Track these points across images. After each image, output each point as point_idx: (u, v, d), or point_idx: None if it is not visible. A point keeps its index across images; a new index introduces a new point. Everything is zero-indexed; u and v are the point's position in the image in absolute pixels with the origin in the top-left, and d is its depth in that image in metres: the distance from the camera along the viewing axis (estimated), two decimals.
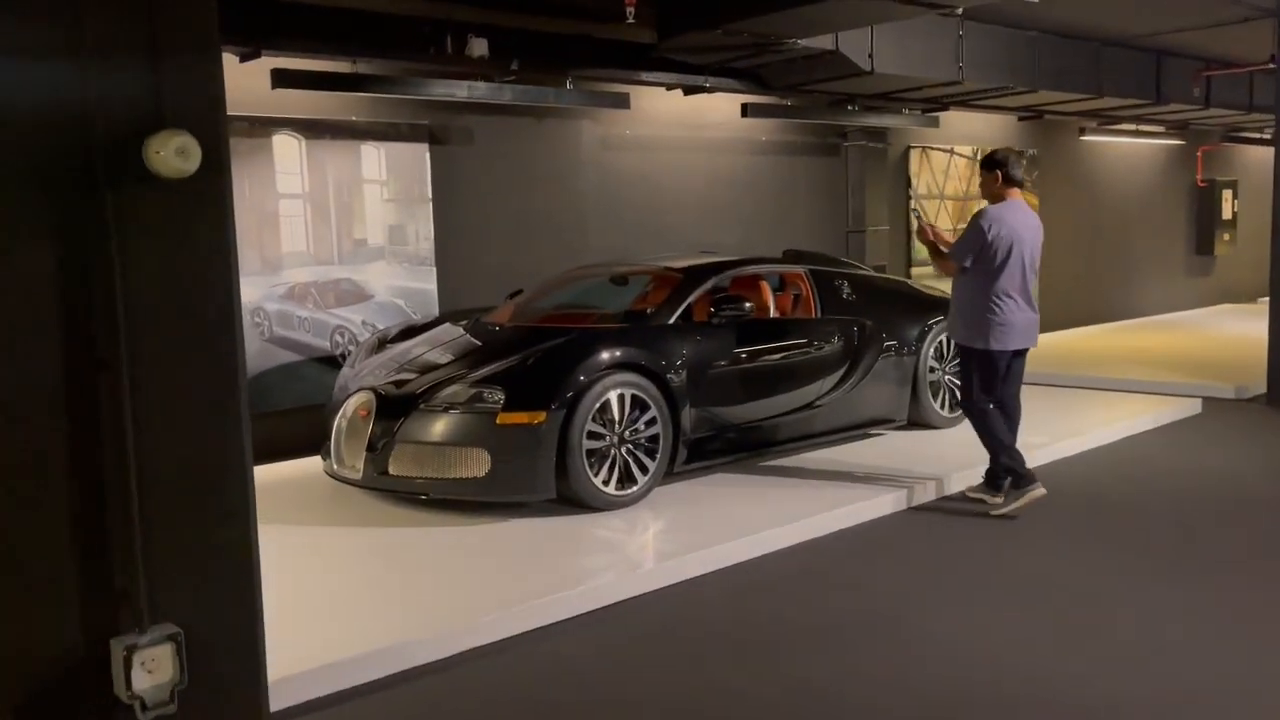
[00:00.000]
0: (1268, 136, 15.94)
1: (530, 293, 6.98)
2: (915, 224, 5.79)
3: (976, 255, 5.47)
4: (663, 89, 8.52)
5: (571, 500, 5.33)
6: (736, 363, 6.03)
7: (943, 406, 7.14)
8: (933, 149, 11.51)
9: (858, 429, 6.76)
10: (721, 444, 6.01)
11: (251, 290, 6.88)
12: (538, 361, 5.37)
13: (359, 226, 7.39)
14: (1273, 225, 8.06)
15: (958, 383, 7.20)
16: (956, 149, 11.80)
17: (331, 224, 7.26)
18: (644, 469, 5.51)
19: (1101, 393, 8.56)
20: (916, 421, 7.06)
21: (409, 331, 6.66)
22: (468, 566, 4.65)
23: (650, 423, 5.53)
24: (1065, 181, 13.29)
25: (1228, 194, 15.90)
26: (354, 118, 7.25)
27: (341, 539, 5.11)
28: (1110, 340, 12.02)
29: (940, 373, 7.13)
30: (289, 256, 7.06)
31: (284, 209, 7.01)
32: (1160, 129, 13.15)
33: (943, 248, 5.76)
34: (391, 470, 5.34)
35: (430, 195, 7.68)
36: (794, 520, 5.15)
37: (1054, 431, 7.04)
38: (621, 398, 5.41)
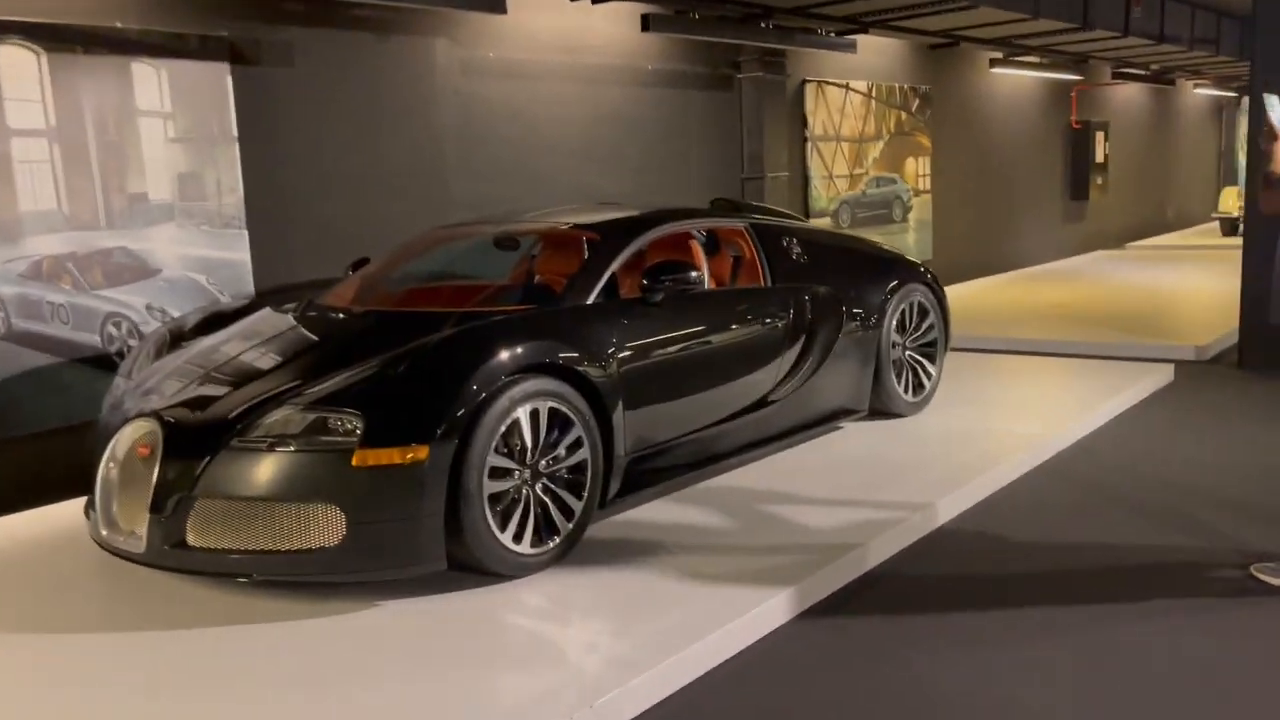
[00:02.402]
0: (1145, 73, 15.48)
1: (381, 262, 5.18)
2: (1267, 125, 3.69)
3: None
4: None
5: (469, 566, 3.66)
6: (677, 353, 4.46)
7: (906, 390, 5.78)
8: (829, 84, 10.16)
9: (816, 426, 5.31)
10: (662, 464, 4.45)
11: None
12: (410, 367, 3.64)
13: (135, 177, 5.39)
14: (1247, 171, 7.01)
15: (920, 359, 5.89)
16: (852, 85, 10.50)
17: (93, 173, 5.24)
18: (567, 511, 3.89)
19: (1055, 360, 7.44)
20: (877, 409, 5.69)
21: (214, 321, 4.79)
22: (314, 704, 2.93)
23: (574, 446, 3.90)
24: (958, 122, 12.24)
25: (1100, 136, 15.33)
26: (119, 23, 5.22)
27: (112, 654, 3.28)
28: (1017, 294, 11.06)
29: (901, 349, 5.77)
30: (31, 219, 5.02)
31: (19, 151, 4.95)
32: (1062, 59, 12.24)
33: None
34: (192, 540, 3.53)
35: (236, 133, 5.73)
36: (785, 583, 3.63)
37: (1040, 414, 5.80)
38: (535, 415, 3.76)
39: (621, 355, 4.15)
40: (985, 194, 12.94)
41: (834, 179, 10.37)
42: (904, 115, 11.31)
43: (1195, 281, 11.54)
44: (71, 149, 5.11)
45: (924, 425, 5.65)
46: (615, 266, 4.45)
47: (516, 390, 3.67)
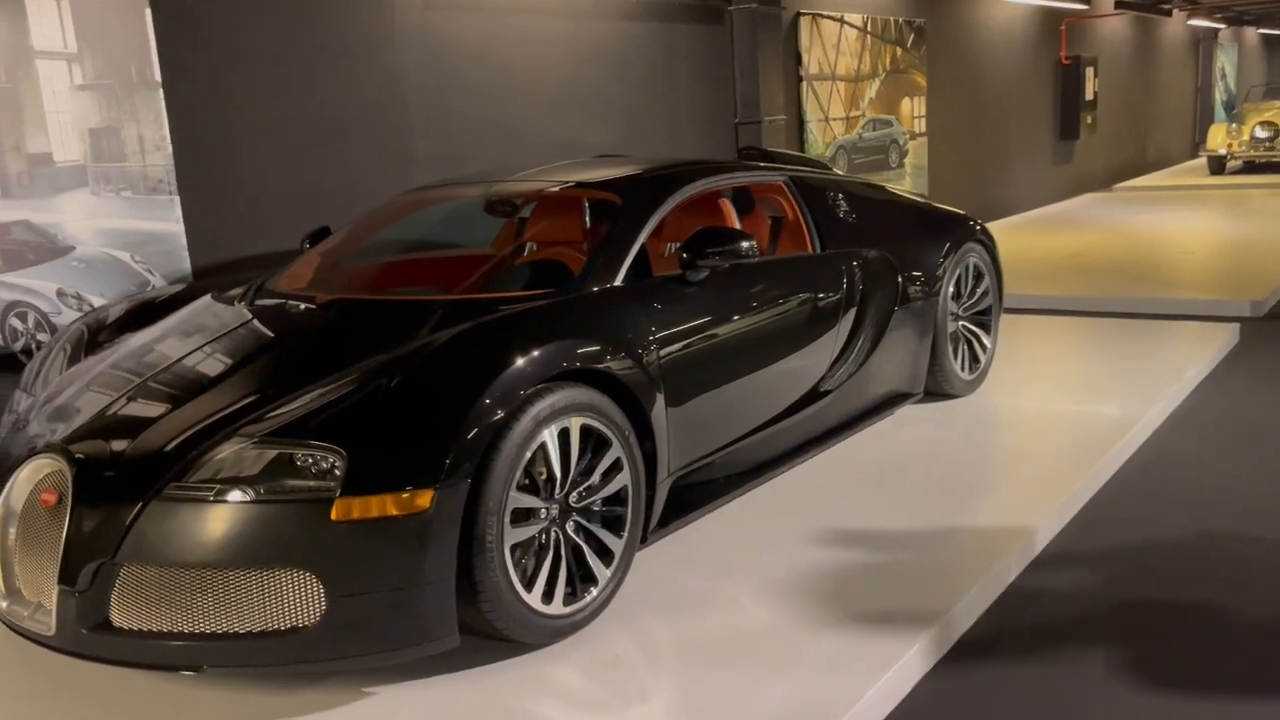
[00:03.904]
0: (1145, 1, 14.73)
1: (345, 234, 4.25)
2: None
3: None
4: None
5: (484, 632, 2.83)
6: (724, 343, 3.61)
7: (963, 366, 5.00)
8: (824, 17, 9.26)
9: (869, 417, 4.50)
10: (709, 480, 3.63)
11: None
12: (404, 382, 2.75)
13: (35, 133, 4.40)
14: None
15: (975, 329, 5.11)
16: (847, 18, 9.61)
17: None
18: (605, 554, 3.05)
19: (1098, 321, 6.70)
20: (930, 390, 4.90)
21: (143, 312, 3.85)
22: None
23: (611, 470, 3.06)
24: (953, 58, 11.41)
25: (1090, 72, 14.59)
26: None
27: None
28: (1025, 244, 10.31)
29: (956, 319, 4.97)
30: None
31: None
32: None
33: None
34: (118, 621, 2.64)
35: (160, 79, 4.74)
36: (897, 654, 2.86)
37: (1114, 391, 5.04)
38: (565, 436, 2.91)
39: (662, 351, 3.30)
40: (980, 136, 12.17)
41: (830, 122, 9.51)
42: (899, 51, 10.45)
43: (1204, 225, 10.90)
44: None
45: (987, 408, 4.87)
46: (644, 236, 3.57)
47: (542, 406, 2.81)
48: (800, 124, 9.12)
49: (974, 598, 3.10)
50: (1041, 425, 4.57)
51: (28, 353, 4.36)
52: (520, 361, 2.81)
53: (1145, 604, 3.17)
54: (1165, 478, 4.15)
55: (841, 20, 9.53)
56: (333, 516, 2.54)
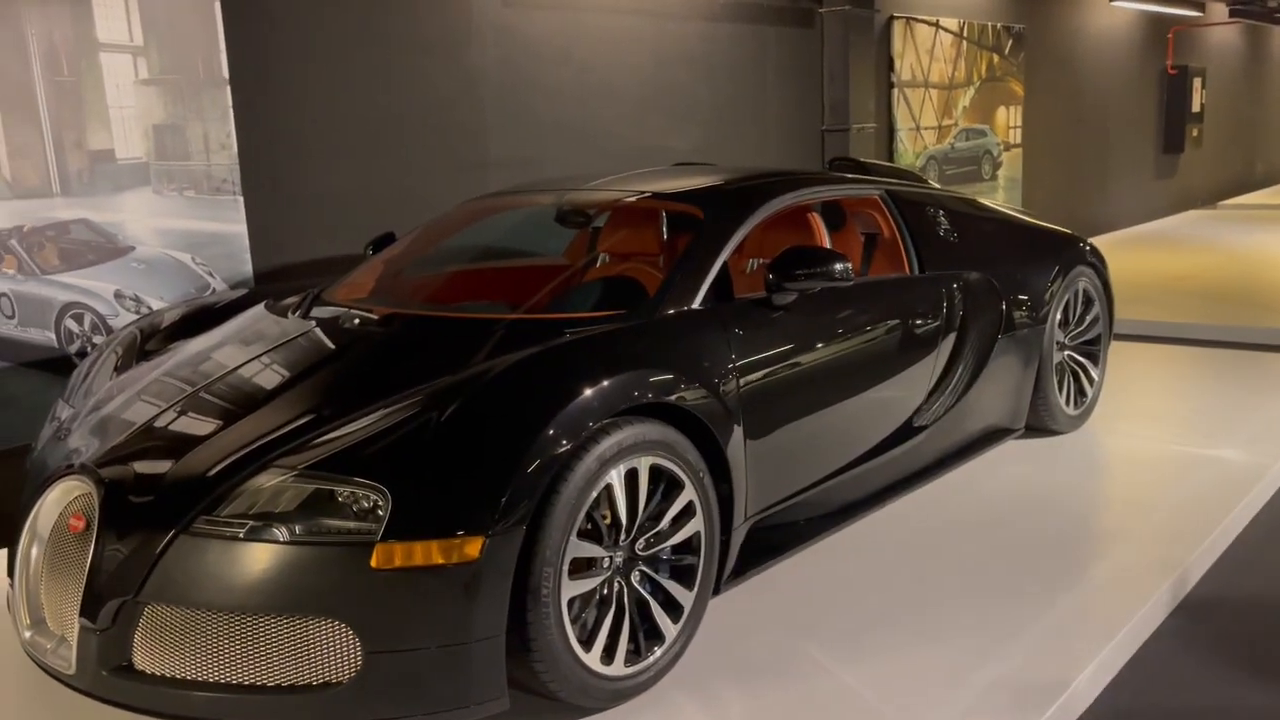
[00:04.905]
0: (1263, 9, 13.98)
1: (409, 242, 4.01)
2: None
3: None
4: None
5: (535, 691, 2.55)
6: (812, 375, 3.29)
7: (1068, 400, 4.59)
8: (919, 21, 8.84)
9: (966, 455, 4.13)
10: (789, 525, 3.30)
11: None
12: (458, 414, 2.48)
13: (97, 129, 4.25)
14: None
15: (1081, 360, 4.70)
16: (943, 22, 9.17)
17: (43, 125, 4.10)
18: (673, 607, 2.75)
19: (1211, 351, 6.19)
20: (1032, 426, 4.51)
21: (199, 319, 3.66)
22: None
23: (683, 515, 2.76)
24: (1053, 66, 10.89)
25: (1197, 83, 13.86)
26: None
27: None
28: (1128, 264, 9.71)
29: (1062, 348, 4.57)
30: None
31: None
32: None
33: None
34: (141, 664, 2.42)
35: (228, 75, 4.57)
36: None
37: (1236, 432, 4.58)
38: (633, 477, 2.61)
39: (742, 383, 2.99)
40: (1078, 148, 11.60)
41: (921, 130, 9.08)
42: (996, 58, 9.96)
43: None
44: (13, 94, 3.97)
45: (1094, 448, 4.46)
46: (727, 254, 3.26)
47: (608, 444, 2.52)
48: (890, 132, 8.72)
49: (1096, 671, 2.74)
50: (1156, 470, 4.15)
51: (82, 356, 4.22)
52: (586, 393, 2.52)
53: None
54: None
55: (937, 25, 9.10)
56: (373, 563, 2.29)
